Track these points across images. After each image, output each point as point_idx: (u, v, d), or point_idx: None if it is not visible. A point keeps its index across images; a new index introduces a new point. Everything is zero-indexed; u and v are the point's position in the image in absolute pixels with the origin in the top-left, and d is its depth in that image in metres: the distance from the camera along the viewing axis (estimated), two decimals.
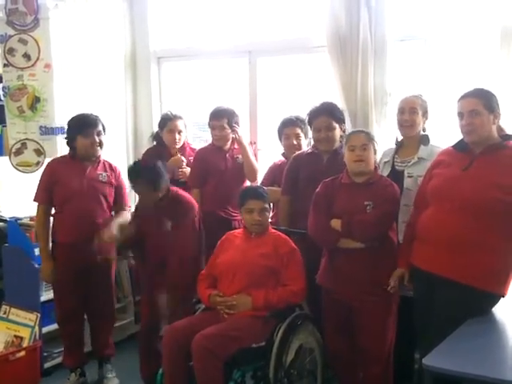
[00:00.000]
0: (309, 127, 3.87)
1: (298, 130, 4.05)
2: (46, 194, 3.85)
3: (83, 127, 3.80)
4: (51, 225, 3.89)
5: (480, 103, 2.89)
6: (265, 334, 3.16)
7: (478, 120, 2.89)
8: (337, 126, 3.63)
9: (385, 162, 3.62)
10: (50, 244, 3.88)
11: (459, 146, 3.02)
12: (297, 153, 3.89)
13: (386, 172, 3.57)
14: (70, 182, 3.81)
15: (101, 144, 3.86)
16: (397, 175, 3.47)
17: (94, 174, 3.88)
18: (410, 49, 4.19)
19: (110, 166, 3.99)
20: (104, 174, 3.92)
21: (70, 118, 3.96)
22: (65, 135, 3.96)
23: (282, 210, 3.83)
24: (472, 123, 2.89)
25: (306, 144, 4.06)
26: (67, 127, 3.94)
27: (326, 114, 3.62)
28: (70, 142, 3.87)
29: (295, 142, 4.04)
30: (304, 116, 3.91)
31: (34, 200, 3.88)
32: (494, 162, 2.87)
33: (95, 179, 3.87)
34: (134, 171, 3.64)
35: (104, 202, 3.91)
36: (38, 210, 3.88)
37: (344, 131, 3.68)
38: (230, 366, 3.07)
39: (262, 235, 3.42)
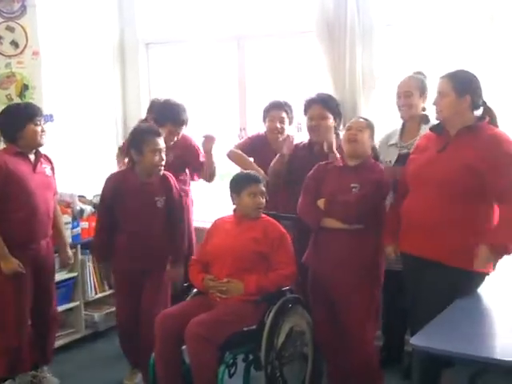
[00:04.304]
0: (293, 115, 4.02)
1: (284, 114, 4.05)
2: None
3: (33, 115, 3.53)
4: None
5: (449, 85, 2.93)
6: (256, 317, 3.19)
7: (443, 101, 2.94)
8: (330, 116, 3.65)
9: (390, 145, 3.67)
10: None
11: (436, 129, 3.08)
12: (294, 144, 3.83)
13: (393, 155, 3.62)
14: (25, 179, 3.50)
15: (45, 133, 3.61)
16: (404, 159, 3.48)
17: (42, 169, 3.64)
18: (397, 33, 4.20)
19: (46, 156, 3.72)
20: (48, 167, 3.69)
21: (9, 107, 3.71)
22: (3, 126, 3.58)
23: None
24: (438, 104, 2.96)
25: (293, 130, 4.06)
26: (9, 117, 3.57)
27: (319, 103, 3.66)
28: (16, 132, 3.51)
29: (279, 126, 4.03)
30: (291, 101, 4.01)
31: None
32: (469, 144, 2.89)
33: (44, 174, 3.64)
34: None
35: (52, 196, 3.72)
36: None
37: (338, 124, 3.70)
38: (222, 350, 3.09)
39: (252, 220, 3.43)
